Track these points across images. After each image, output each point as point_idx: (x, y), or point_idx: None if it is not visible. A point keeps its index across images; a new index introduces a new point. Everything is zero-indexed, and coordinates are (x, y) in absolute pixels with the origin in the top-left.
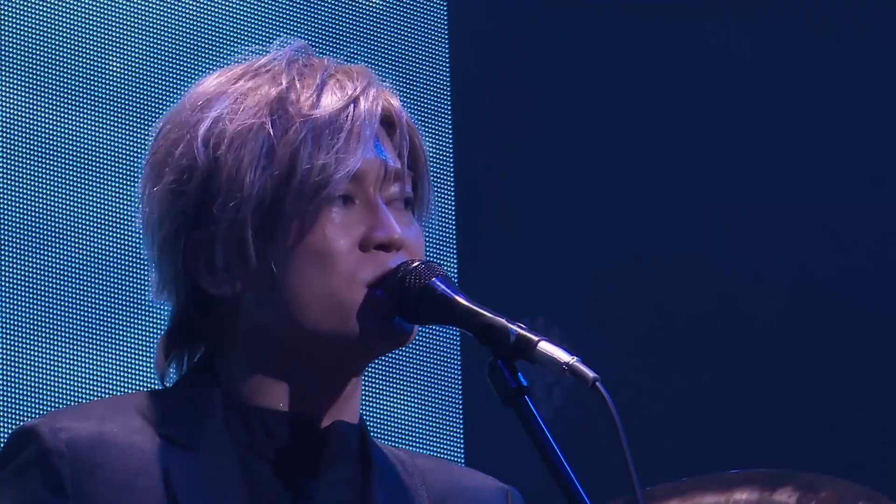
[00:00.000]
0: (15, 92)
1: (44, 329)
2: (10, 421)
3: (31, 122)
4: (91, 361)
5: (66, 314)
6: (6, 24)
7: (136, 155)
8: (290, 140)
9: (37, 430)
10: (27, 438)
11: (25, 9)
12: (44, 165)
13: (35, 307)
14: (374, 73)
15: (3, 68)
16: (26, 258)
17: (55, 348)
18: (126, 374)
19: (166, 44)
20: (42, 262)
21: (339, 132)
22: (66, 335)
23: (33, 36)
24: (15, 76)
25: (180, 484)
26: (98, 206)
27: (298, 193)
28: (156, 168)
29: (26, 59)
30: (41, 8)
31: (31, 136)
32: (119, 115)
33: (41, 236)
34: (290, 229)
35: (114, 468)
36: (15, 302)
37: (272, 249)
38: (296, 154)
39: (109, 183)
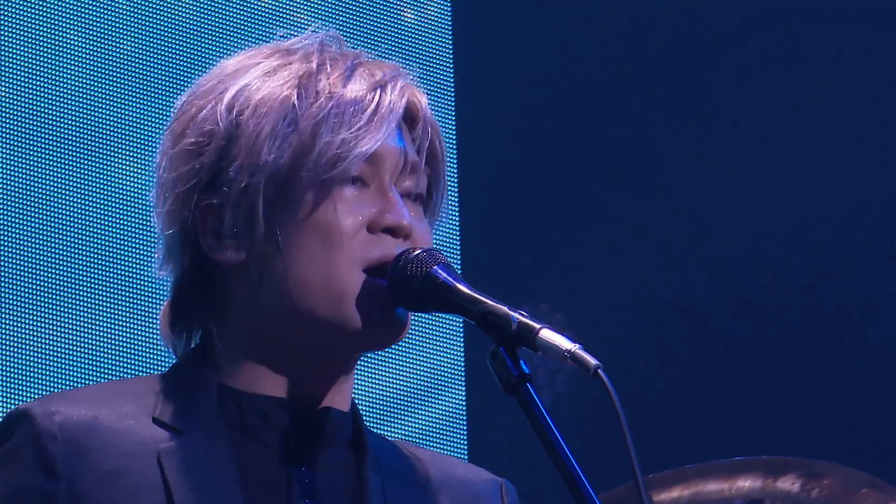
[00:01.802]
0: (18, 87)
1: (49, 324)
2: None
3: (35, 116)
4: (96, 356)
5: (72, 309)
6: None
7: (138, 150)
8: (313, 114)
9: (30, 412)
10: (20, 420)
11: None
12: (49, 161)
13: (40, 302)
14: (407, 71)
15: (5, 66)
16: (31, 254)
17: (61, 342)
18: (131, 372)
19: (164, 36)
20: (47, 258)
21: (362, 112)
22: (72, 329)
23: (35, 32)
24: (18, 73)
25: (172, 468)
26: (101, 202)
27: (314, 166)
28: (175, 133)
29: (28, 58)
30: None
31: (35, 129)
32: (122, 110)
33: (46, 232)
34: (302, 202)
35: (106, 452)
36: (20, 296)
37: (281, 220)
38: (318, 127)
39: (113, 179)
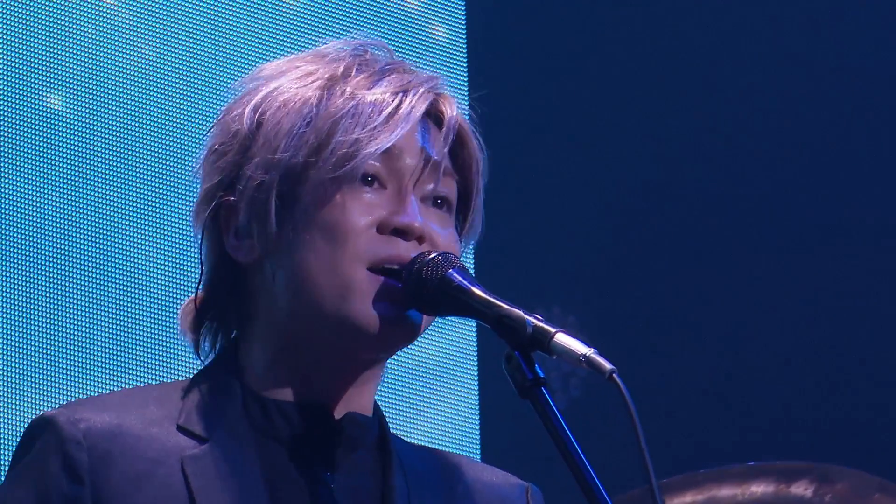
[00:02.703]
0: (32, 90)
1: (36, 329)
2: (7, 420)
3: (47, 121)
4: (117, 360)
5: (90, 313)
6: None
7: (160, 150)
8: (331, 113)
9: (55, 419)
10: (45, 427)
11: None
12: (64, 163)
13: (26, 309)
14: (443, 81)
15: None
16: (49, 256)
17: (81, 346)
18: (117, 377)
19: (183, 42)
20: (65, 260)
21: (379, 112)
22: (58, 336)
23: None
24: (32, 79)
25: (196, 475)
26: (119, 203)
27: (325, 164)
28: (211, 135)
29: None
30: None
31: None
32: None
33: (63, 236)
34: (313, 199)
35: (130, 458)
36: (40, 299)
37: (292, 217)
38: (333, 126)
39: (90, 180)
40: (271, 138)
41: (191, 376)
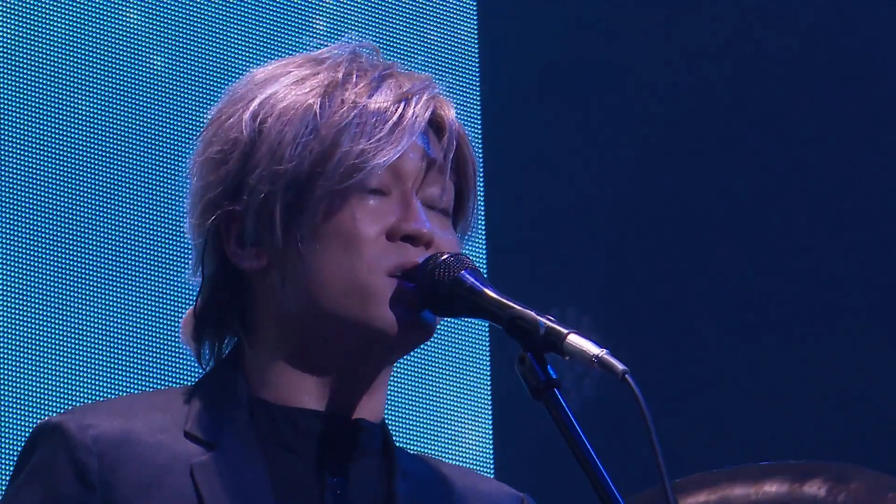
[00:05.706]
0: (29, 89)
1: (63, 329)
2: (32, 418)
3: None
4: (109, 362)
5: (84, 314)
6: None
7: (146, 150)
8: (334, 122)
9: (64, 425)
10: (54, 433)
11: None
12: (60, 164)
13: (54, 305)
14: (437, 84)
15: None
16: (44, 258)
17: (74, 348)
18: (143, 377)
19: (183, 43)
20: (60, 263)
21: (384, 122)
22: (84, 336)
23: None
24: (29, 75)
25: (206, 482)
26: (113, 206)
27: (332, 175)
28: (205, 140)
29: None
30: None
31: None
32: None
33: (58, 236)
34: (320, 209)
35: (139, 465)
36: (34, 297)
37: (299, 227)
38: (338, 136)
39: (124, 182)
40: (275, 148)
41: (190, 383)
